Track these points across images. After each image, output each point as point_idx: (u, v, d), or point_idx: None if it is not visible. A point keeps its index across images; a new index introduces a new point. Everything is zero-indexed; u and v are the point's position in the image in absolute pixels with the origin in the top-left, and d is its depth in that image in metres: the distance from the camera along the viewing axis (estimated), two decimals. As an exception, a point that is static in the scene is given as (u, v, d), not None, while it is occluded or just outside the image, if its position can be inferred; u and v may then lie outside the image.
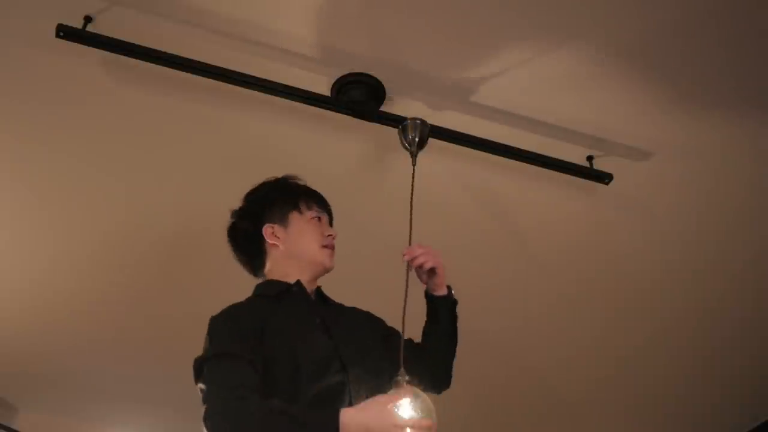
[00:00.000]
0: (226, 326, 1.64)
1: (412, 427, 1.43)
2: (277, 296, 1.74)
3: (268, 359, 1.56)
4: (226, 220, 2.65)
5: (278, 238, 1.84)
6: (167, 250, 2.80)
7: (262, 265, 1.87)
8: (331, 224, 1.93)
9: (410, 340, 1.82)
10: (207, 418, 1.45)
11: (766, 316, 3.07)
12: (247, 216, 1.90)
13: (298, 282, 1.79)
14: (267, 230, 1.85)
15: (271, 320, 1.65)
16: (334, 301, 1.87)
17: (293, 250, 1.82)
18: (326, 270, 1.84)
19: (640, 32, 2.03)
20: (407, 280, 1.74)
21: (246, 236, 1.88)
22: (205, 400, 1.49)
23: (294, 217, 1.85)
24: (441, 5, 1.97)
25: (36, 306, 3.07)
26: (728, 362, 3.32)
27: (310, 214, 1.86)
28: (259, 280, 1.87)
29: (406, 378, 1.51)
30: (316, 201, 1.90)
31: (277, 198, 1.89)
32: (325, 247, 1.84)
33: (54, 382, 3.54)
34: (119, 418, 3.84)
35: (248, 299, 1.78)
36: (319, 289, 1.86)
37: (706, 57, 2.09)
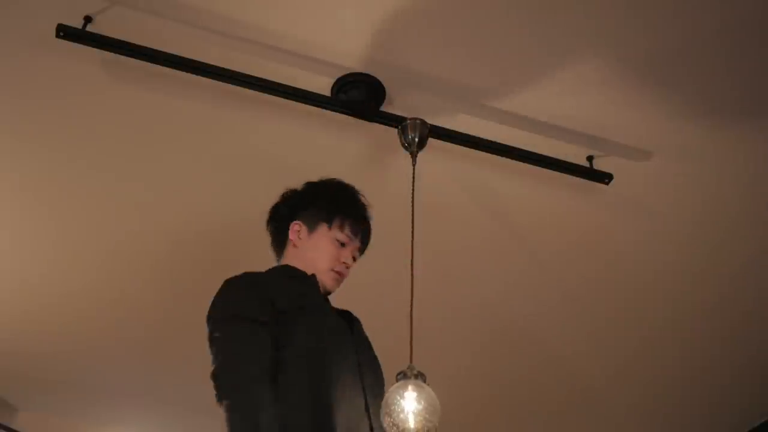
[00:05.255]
0: (244, 288, 1.67)
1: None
2: (297, 278, 1.77)
3: (290, 345, 1.57)
4: (226, 219, 2.67)
5: (299, 239, 1.86)
6: (167, 250, 2.80)
7: (282, 248, 1.90)
8: (361, 252, 1.91)
9: None
10: (217, 384, 1.49)
11: (766, 316, 3.07)
12: (288, 203, 1.93)
13: (313, 276, 1.80)
14: (294, 226, 1.88)
15: (296, 301, 1.66)
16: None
17: (305, 257, 1.83)
18: (326, 291, 1.83)
19: (641, 33, 2.03)
20: (412, 280, 1.75)
21: (279, 218, 1.92)
22: (215, 362, 1.52)
23: (321, 229, 1.86)
24: (441, 5, 1.97)
25: (36, 306, 3.07)
26: (728, 362, 3.32)
27: (336, 234, 1.85)
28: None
29: (414, 371, 1.52)
30: (352, 227, 1.87)
31: (320, 202, 1.89)
32: (333, 271, 1.82)
33: (54, 382, 3.55)
34: (119, 418, 3.84)
35: (268, 272, 1.82)
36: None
37: (706, 58, 2.09)
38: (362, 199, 1.93)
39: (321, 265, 1.81)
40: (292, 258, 1.86)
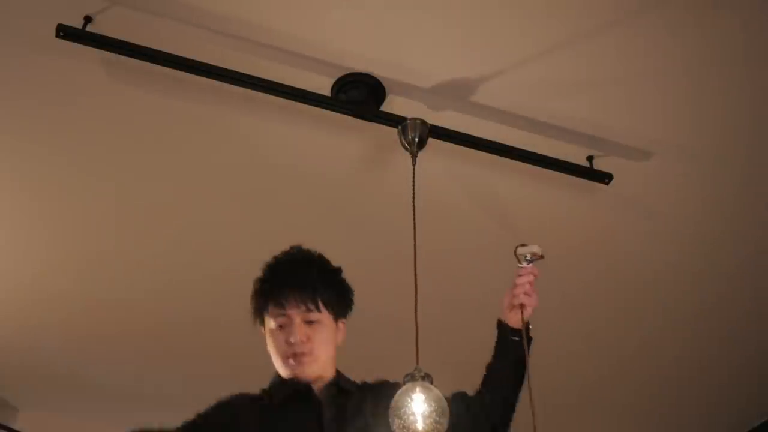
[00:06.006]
0: (204, 412, 1.65)
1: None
2: (280, 404, 1.64)
3: None
4: (225, 220, 2.67)
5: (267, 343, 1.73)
6: (166, 250, 2.80)
7: None
8: (316, 306, 1.68)
9: (462, 396, 1.75)
10: None
11: (765, 316, 3.07)
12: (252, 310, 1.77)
13: (308, 385, 1.65)
14: (261, 332, 1.75)
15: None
16: (351, 390, 1.71)
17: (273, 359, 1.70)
18: (302, 380, 1.65)
19: (640, 32, 2.03)
20: (416, 280, 1.75)
21: None
22: None
23: (263, 327, 1.72)
24: (441, 5, 1.97)
25: (36, 306, 3.07)
26: (727, 362, 3.32)
27: (269, 324, 1.69)
28: None
29: (422, 373, 1.52)
30: (276, 303, 1.68)
31: (252, 301, 1.74)
32: (286, 359, 1.65)
33: (54, 382, 3.54)
34: (119, 418, 3.83)
35: (252, 398, 1.69)
36: (336, 378, 1.71)
37: (706, 57, 2.09)
38: (285, 259, 1.76)
39: (277, 362, 1.67)
40: None
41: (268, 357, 1.74)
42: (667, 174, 2.44)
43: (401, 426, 1.47)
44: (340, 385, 1.70)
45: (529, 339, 1.74)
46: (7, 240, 2.77)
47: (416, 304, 1.68)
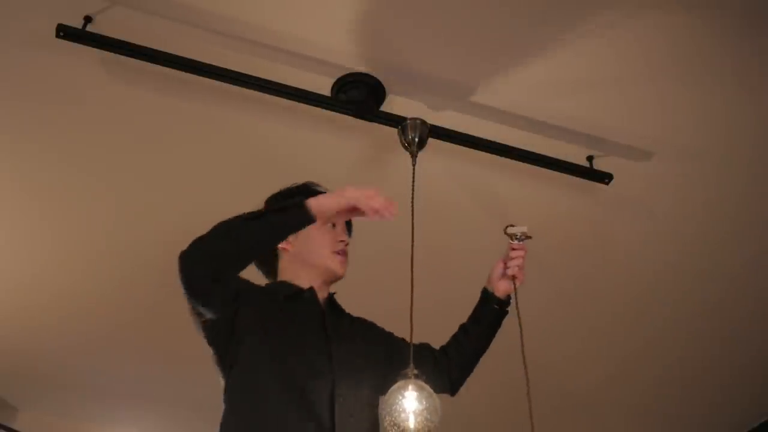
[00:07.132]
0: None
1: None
2: (286, 298, 1.72)
3: (256, 362, 1.62)
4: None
5: (291, 243, 1.81)
6: (167, 249, 2.79)
7: (273, 271, 1.84)
8: (349, 233, 1.91)
9: (427, 346, 1.90)
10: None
11: (766, 316, 3.07)
12: None
13: (311, 289, 1.76)
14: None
15: (272, 318, 1.66)
16: (344, 311, 1.84)
17: (303, 254, 1.80)
18: (337, 277, 1.81)
19: (641, 32, 2.03)
20: (412, 280, 1.75)
21: None
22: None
23: None
24: (441, 5, 1.97)
25: (36, 305, 3.07)
26: (728, 362, 3.32)
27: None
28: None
29: (415, 372, 1.52)
30: None
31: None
32: (336, 253, 1.80)
33: (54, 382, 3.55)
34: (119, 418, 3.84)
35: (260, 288, 1.76)
36: (331, 297, 1.83)
37: (705, 57, 2.09)
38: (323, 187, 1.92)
39: (323, 253, 1.79)
40: (289, 266, 1.81)
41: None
42: (667, 174, 2.44)
43: (392, 423, 1.47)
44: (335, 301, 1.84)
45: (506, 312, 1.95)
46: (7, 240, 2.77)
47: (412, 303, 1.68)
